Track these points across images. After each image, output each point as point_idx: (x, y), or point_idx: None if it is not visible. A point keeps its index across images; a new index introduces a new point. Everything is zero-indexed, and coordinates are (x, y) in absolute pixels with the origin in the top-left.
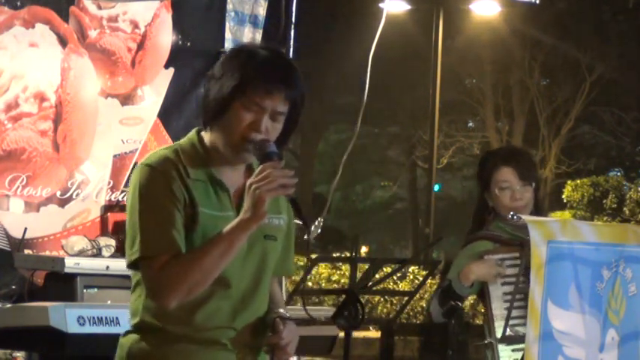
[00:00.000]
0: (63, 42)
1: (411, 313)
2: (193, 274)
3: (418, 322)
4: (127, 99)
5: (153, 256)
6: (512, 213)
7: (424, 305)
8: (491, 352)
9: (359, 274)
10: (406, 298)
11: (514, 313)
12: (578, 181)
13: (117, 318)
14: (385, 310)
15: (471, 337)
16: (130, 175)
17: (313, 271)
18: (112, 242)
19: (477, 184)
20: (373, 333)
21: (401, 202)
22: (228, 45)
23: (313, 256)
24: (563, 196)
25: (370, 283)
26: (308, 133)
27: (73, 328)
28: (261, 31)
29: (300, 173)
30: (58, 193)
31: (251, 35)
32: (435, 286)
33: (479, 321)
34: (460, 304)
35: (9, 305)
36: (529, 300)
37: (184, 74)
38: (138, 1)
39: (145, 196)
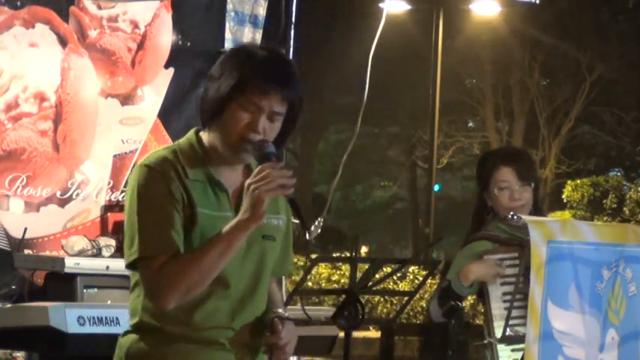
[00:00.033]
0: (63, 42)
1: (411, 313)
2: (192, 274)
3: (418, 322)
4: (127, 99)
5: (151, 257)
6: (512, 213)
7: (424, 305)
8: (490, 352)
9: (359, 274)
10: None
11: (514, 313)
12: (578, 181)
13: (117, 318)
14: (385, 310)
15: (470, 337)
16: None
17: (313, 271)
18: (112, 242)
19: (476, 184)
20: (373, 333)
21: (401, 202)
22: (228, 45)
23: (313, 256)
24: (563, 196)
25: (370, 283)
26: (308, 133)
27: (73, 328)
28: (261, 31)
29: (300, 173)
30: (58, 193)
31: (251, 35)
32: (435, 286)
33: (479, 321)
34: (460, 304)
35: (9, 305)
36: (529, 300)
37: (184, 74)
38: (138, 1)
39: (143, 197)
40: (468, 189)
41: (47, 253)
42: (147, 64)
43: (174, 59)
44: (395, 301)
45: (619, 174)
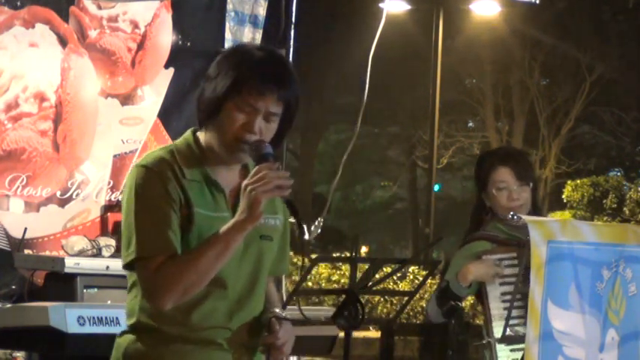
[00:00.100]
0: (63, 42)
1: (411, 313)
2: (189, 274)
3: (418, 322)
4: (127, 99)
5: (149, 257)
6: (512, 213)
7: (424, 305)
8: (489, 352)
9: (359, 274)
10: (406, 298)
11: (513, 313)
12: (578, 181)
13: (117, 318)
14: (385, 310)
15: (470, 337)
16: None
17: (313, 271)
18: (112, 242)
19: (474, 184)
20: (373, 333)
21: (401, 202)
22: (228, 45)
23: (313, 256)
24: (563, 196)
25: (370, 283)
26: (308, 133)
27: (73, 328)
28: (261, 31)
29: (300, 173)
30: (58, 193)
31: (251, 35)
32: (435, 286)
33: (479, 321)
34: (460, 304)
35: (9, 305)
36: (529, 300)
37: (184, 74)
38: (138, 1)
39: (140, 197)
40: (467, 189)
41: (47, 253)
42: (147, 64)
43: (174, 59)
44: (395, 301)
45: (619, 174)
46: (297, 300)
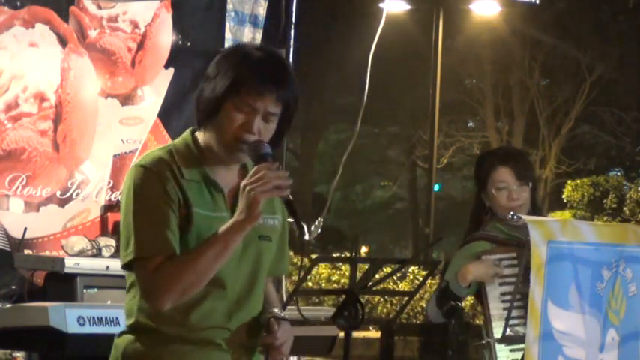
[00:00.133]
0: (63, 42)
1: (411, 313)
2: (188, 275)
3: (418, 322)
4: (127, 99)
5: (147, 257)
6: (512, 213)
7: (424, 305)
8: (488, 352)
9: (359, 274)
10: (406, 298)
11: (513, 313)
12: (578, 181)
13: (117, 318)
14: (385, 310)
15: (470, 337)
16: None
17: (313, 271)
18: (112, 242)
19: (474, 184)
20: (373, 333)
21: (401, 202)
22: (228, 45)
23: (313, 256)
24: (563, 196)
25: (370, 283)
26: (308, 133)
27: (73, 328)
28: (261, 31)
29: (300, 173)
30: (58, 193)
31: (251, 35)
32: (435, 286)
33: (479, 321)
34: (460, 304)
35: (9, 305)
36: (529, 300)
37: (184, 74)
38: (138, 1)
39: (139, 197)
40: (467, 189)
41: (47, 253)
42: (147, 64)
43: (174, 59)
44: (395, 301)
45: (619, 174)
46: (296, 300)
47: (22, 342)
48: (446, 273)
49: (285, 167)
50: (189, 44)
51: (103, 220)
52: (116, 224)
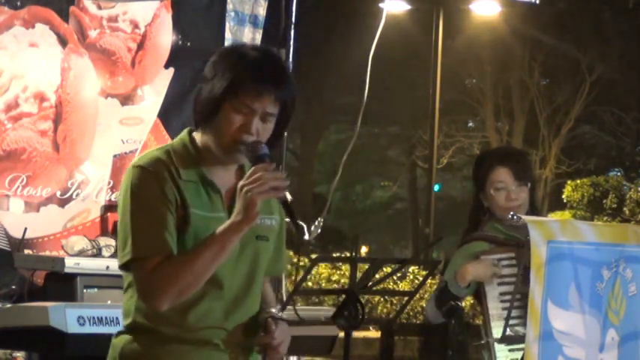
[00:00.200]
0: (63, 42)
1: (411, 313)
2: (185, 275)
3: (418, 322)
4: (127, 99)
5: (145, 258)
6: (512, 213)
7: (424, 305)
8: (488, 352)
9: (359, 274)
10: (406, 298)
11: (512, 313)
12: (578, 181)
13: (117, 318)
14: (385, 310)
15: (470, 337)
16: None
17: (313, 271)
18: (112, 242)
19: (472, 184)
20: (373, 333)
21: (401, 202)
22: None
23: (313, 256)
24: (563, 196)
25: (370, 283)
26: (308, 133)
27: (73, 328)
28: (261, 31)
29: (300, 173)
30: (58, 193)
31: (251, 35)
32: (435, 286)
33: (479, 321)
34: (460, 304)
35: (9, 305)
36: (529, 300)
37: (184, 74)
38: (138, 1)
39: (136, 198)
40: (467, 189)
41: (47, 253)
42: (147, 64)
43: (174, 59)
44: (395, 301)
45: (619, 174)
46: (293, 300)
47: (22, 342)
48: (445, 273)
49: (285, 167)
50: (189, 44)
51: (103, 220)
52: (116, 224)
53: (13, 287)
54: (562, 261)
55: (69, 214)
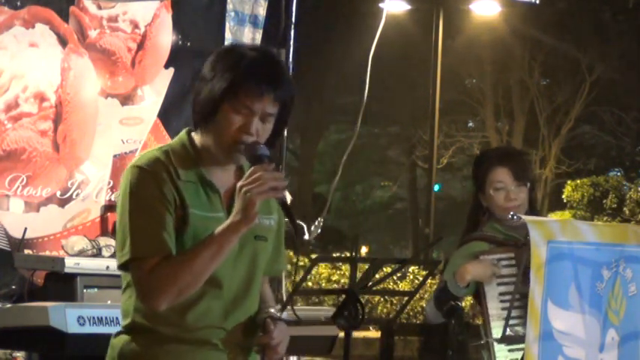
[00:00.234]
0: (63, 42)
1: (411, 313)
2: (184, 276)
3: (418, 322)
4: (127, 99)
5: (143, 258)
6: (512, 213)
7: (424, 305)
8: (487, 352)
9: (359, 274)
10: (406, 298)
11: (512, 313)
12: (578, 181)
13: (117, 318)
14: (385, 310)
15: (470, 337)
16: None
17: (313, 271)
18: (112, 242)
19: (471, 184)
20: (373, 333)
21: (401, 202)
22: None
23: (313, 256)
24: (563, 196)
25: (370, 283)
26: (308, 133)
27: (73, 328)
28: (261, 31)
29: (300, 173)
30: (58, 193)
31: (251, 35)
32: (435, 286)
33: (479, 321)
34: (460, 303)
35: (9, 305)
36: (529, 300)
37: (184, 74)
38: (138, 1)
39: (135, 198)
40: (467, 189)
41: (47, 253)
42: (147, 64)
43: (174, 59)
44: (395, 301)
45: (619, 174)
46: (292, 300)
47: (22, 342)
48: (444, 273)
49: (285, 167)
50: (189, 44)
51: (103, 220)
52: (116, 224)
53: (13, 287)
54: (562, 261)
55: (69, 214)
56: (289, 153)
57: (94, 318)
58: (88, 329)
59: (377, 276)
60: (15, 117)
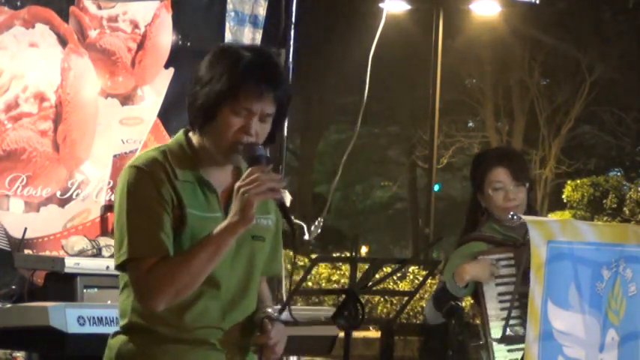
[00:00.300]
0: (63, 42)
1: (411, 313)
2: (181, 276)
3: (418, 322)
4: (127, 99)
5: (140, 258)
6: (512, 213)
7: (424, 305)
8: (486, 352)
9: (359, 274)
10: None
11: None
12: (578, 181)
13: (117, 318)
14: (385, 310)
15: (470, 337)
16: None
17: (313, 271)
18: (112, 242)
19: (470, 184)
20: (373, 333)
21: (401, 202)
22: None
23: (313, 256)
24: (563, 196)
25: (370, 283)
26: (308, 133)
27: (73, 328)
28: (261, 31)
29: (300, 173)
30: (58, 193)
31: (251, 35)
32: (435, 286)
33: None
34: (460, 303)
35: (9, 305)
36: (529, 300)
37: (184, 74)
38: (138, 1)
39: (132, 198)
40: (467, 189)
41: (47, 253)
42: (147, 64)
43: (174, 59)
44: (395, 301)
45: (619, 174)
46: (289, 301)
47: (22, 342)
48: (443, 273)
49: (285, 167)
50: (189, 44)
51: (103, 220)
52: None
53: (13, 287)
54: (562, 261)
55: (69, 214)
56: (289, 153)
57: (94, 318)
58: (88, 329)
59: (377, 276)
60: (15, 117)
